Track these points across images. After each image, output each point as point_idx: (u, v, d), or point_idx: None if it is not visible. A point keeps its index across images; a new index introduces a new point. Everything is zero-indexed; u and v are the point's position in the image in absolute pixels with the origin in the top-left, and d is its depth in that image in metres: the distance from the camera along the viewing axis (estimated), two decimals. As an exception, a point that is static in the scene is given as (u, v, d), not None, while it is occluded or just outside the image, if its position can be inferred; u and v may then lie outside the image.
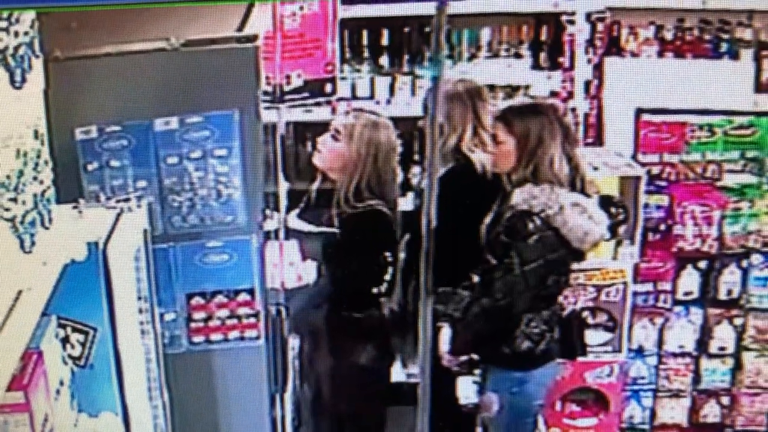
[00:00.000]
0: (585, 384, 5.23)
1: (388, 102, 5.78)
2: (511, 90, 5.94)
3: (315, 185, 4.80)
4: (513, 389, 4.41)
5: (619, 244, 5.01)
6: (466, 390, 4.89)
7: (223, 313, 4.06)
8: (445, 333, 4.44)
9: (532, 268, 4.15)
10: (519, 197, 4.18)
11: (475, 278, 4.38)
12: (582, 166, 4.29)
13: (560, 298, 4.53)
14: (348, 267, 4.50)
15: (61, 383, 2.86)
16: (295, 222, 4.73)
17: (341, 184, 4.54)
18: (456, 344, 4.44)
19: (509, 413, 4.47)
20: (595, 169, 4.89)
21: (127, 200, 3.33)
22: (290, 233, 4.69)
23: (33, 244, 2.52)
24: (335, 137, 4.60)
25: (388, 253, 4.54)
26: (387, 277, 4.55)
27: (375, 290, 4.57)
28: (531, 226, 4.13)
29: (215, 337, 4.09)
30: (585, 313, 5.02)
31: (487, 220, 4.38)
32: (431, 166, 3.79)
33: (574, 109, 5.85)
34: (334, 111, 5.50)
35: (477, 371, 4.72)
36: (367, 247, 4.52)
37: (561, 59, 5.85)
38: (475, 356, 4.58)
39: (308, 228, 4.66)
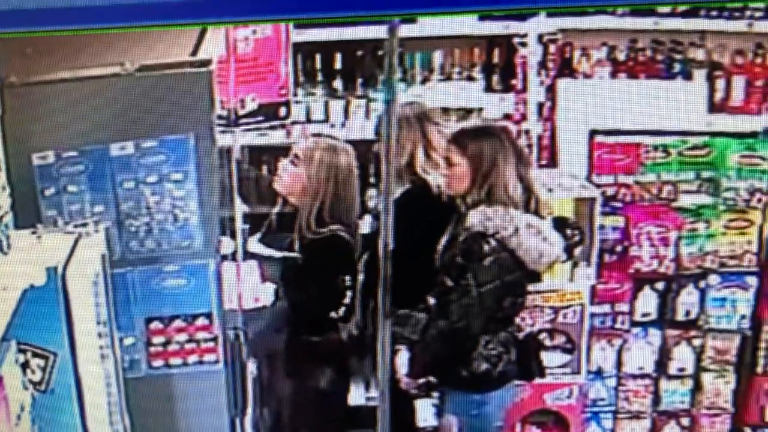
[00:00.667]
0: (545, 406, 5.25)
1: (343, 125, 5.79)
2: (465, 113, 5.96)
3: (275, 210, 4.82)
4: (472, 411, 4.43)
5: (575, 265, 5.05)
6: (424, 413, 4.91)
7: (182, 337, 4.09)
8: (403, 356, 4.46)
9: (489, 290, 4.19)
10: (474, 219, 4.23)
11: (432, 300, 4.41)
12: (535, 188, 4.35)
13: (517, 320, 4.57)
14: (307, 291, 4.53)
15: (22, 409, 2.89)
16: (255, 246, 4.76)
17: (302, 209, 4.57)
18: (414, 367, 4.45)
19: (469, 435, 4.51)
20: (550, 190, 4.92)
21: (84, 225, 3.38)
22: (250, 257, 4.71)
23: (-8, 269, 2.56)
24: (294, 162, 4.64)
25: (347, 278, 4.57)
26: (346, 300, 4.58)
27: (333, 314, 4.60)
28: (486, 247, 4.17)
29: (174, 361, 4.11)
30: (543, 335, 5.06)
31: (443, 241, 4.41)
32: (387, 190, 3.84)
33: (527, 131, 5.87)
34: (289, 134, 5.52)
35: (435, 394, 4.74)
36: (326, 271, 4.55)
37: (513, 81, 5.88)
38: (433, 379, 4.60)
39: (269, 252, 4.68)
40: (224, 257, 4.32)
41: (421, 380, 4.56)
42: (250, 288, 4.64)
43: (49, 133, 3.76)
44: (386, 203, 3.88)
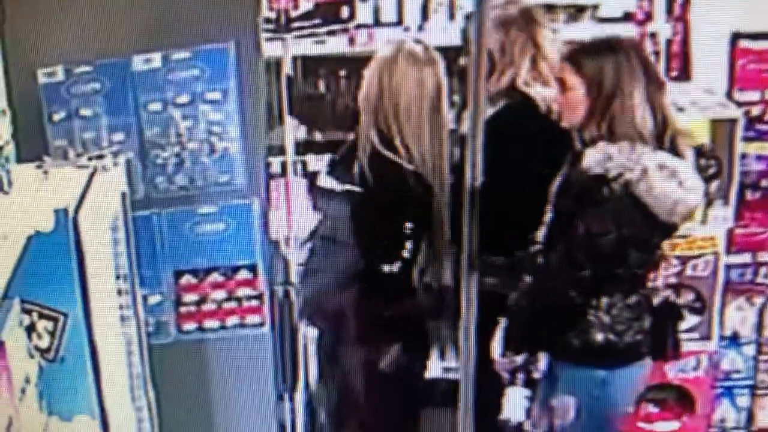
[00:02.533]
0: (665, 380, 5.27)
1: (420, 29, 5.79)
2: (575, 11, 5.94)
3: (351, 135, 4.81)
4: (594, 392, 4.42)
5: (709, 204, 5.00)
6: (513, 405, 4.89)
7: (220, 294, 4.17)
8: (500, 331, 4.47)
9: (606, 242, 4.17)
10: (591, 159, 4.19)
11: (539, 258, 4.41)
12: (671, 117, 4.29)
13: (650, 282, 4.53)
14: (358, 236, 4.54)
15: (27, 380, 2.96)
16: (324, 180, 4.77)
17: (367, 130, 4.57)
18: (511, 337, 4.46)
19: (588, 421, 4.49)
20: (680, 110, 4.87)
21: (101, 157, 3.41)
22: (318, 193, 4.71)
23: (-10, 212, 2.62)
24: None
25: (408, 224, 4.57)
26: (404, 253, 4.59)
27: (386, 268, 4.60)
28: (606, 192, 4.14)
29: (210, 323, 4.20)
30: (666, 292, 5.02)
31: (556, 184, 4.38)
32: (476, 109, 3.83)
33: (653, 35, 5.84)
34: (352, 42, 5.53)
35: (537, 375, 4.73)
36: (381, 212, 4.55)
37: (638, -29, 5.84)
38: (534, 358, 4.60)
39: (339, 187, 4.67)
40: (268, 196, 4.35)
41: (519, 358, 4.56)
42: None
43: (58, 43, 3.80)
44: (474, 126, 3.86)
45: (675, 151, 4.19)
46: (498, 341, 4.44)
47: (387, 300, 4.59)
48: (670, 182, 4.13)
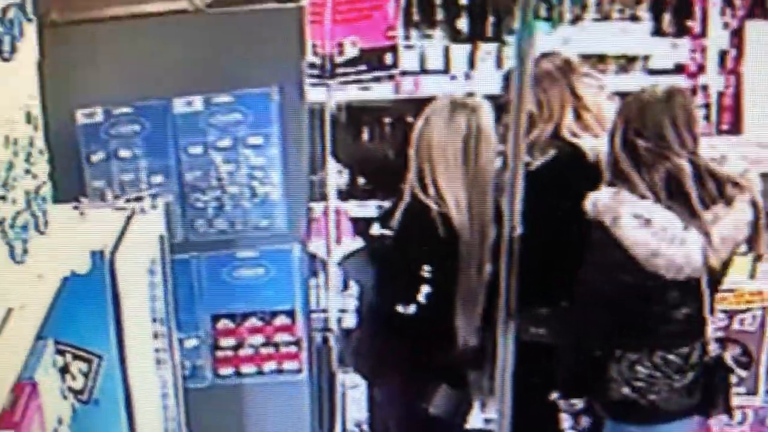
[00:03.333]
0: (710, 433, 5.27)
1: (467, 77, 5.78)
2: (626, 62, 5.92)
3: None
4: None
5: (758, 259, 4.98)
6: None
7: (257, 339, 4.16)
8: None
9: (607, 288, 4.15)
10: (588, 201, 4.19)
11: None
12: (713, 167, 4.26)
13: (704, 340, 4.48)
14: (381, 276, 4.53)
15: (60, 422, 2.93)
16: (376, 230, 4.76)
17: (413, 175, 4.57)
18: (561, 381, 4.43)
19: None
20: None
21: (139, 199, 3.41)
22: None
23: (25, 252, 2.59)
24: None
25: (426, 267, 4.54)
26: (419, 297, 4.55)
27: (400, 309, 4.57)
28: (596, 235, 4.12)
29: (247, 369, 4.18)
30: (713, 346, 4.98)
31: None
32: (515, 160, 3.81)
33: (705, 87, 5.81)
34: (397, 88, 5.52)
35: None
36: (402, 252, 4.55)
37: (690, 23, 5.82)
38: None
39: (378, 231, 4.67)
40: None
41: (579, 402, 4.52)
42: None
43: (98, 84, 3.84)
44: (514, 175, 3.83)
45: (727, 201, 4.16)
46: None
47: (407, 342, 4.57)
48: (643, 231, 4.09)
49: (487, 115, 4.48)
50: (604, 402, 4.32)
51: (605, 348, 4.23)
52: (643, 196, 4.07)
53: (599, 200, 4.13)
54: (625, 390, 4.25)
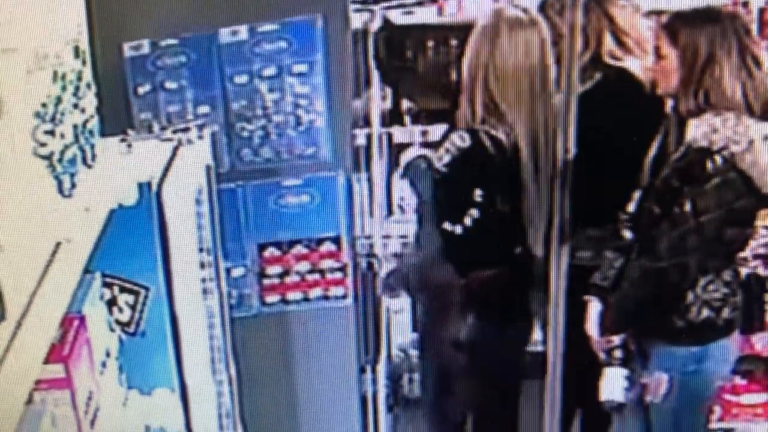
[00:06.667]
0: (753, 351, 5.14)
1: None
2: None
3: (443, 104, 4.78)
4: (689, 368, 4.35)
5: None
6: (613, 386, 4.78)
7: (303, 266, 4.12)
8: (594, 309, 4.39)
9: (710, 219, 4.08)
10: (697, 131, 4.09)
11: (627, 233, 4.33)
12: None
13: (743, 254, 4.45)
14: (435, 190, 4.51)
15: (108, 354, 2.91)
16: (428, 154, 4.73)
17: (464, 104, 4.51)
18: (607, 320, 4.38)
19: (680, 397, 4.42)
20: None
21: (186, 130, 3.36)
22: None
23: (73, 186, 2.54)
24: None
25: (478, 191, 4.49)
26: (467, 219, 4.50)
27: (447, 227, 4.54)
28: (711, 166, 4.04)
29: (293, 296, 4.16)
30: (755, 262, 4.93)
31: (650, 155, 4.30)
32: (569, 82, 3.75)
33: (745, 3, 5.72)
34: (441, 11, 5.45)
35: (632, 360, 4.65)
36: (455, 174, 4.51)
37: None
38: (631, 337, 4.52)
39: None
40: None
41: (617, 339, 4.47)
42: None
43: (144, 17, 3.79)
44: (567, 97, 3.77)
45: None
46: (594, 320, 4.38)
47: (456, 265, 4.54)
48: None
49: (545, 28, 4.43)
50: (678, 328, 4.28)
51: (686, 276, 4.19)
52: None
53: (718, 128, 4.05)
54: (705, 311, 4.22)
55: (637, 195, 4.28)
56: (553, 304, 3.94)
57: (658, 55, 4.22)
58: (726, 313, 4.21)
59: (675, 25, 4.19)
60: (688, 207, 4.06)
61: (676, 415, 4.43)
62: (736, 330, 4.34)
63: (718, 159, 4.00)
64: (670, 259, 4.13)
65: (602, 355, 4.44)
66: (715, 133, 4.02)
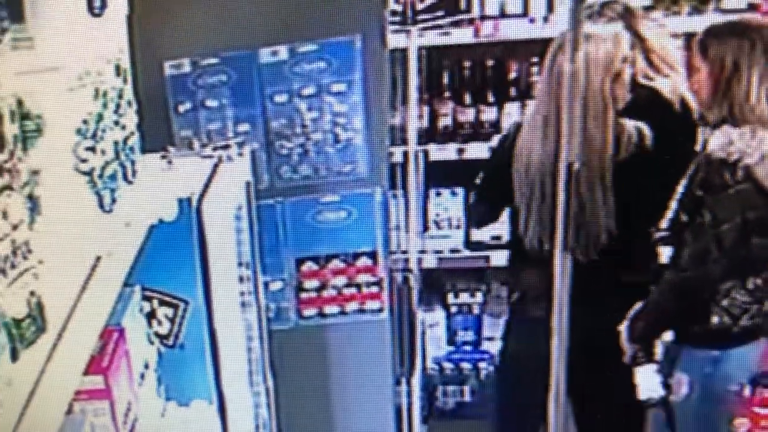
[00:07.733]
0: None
1: (545, 20, 5.69)
2: (699, 2, 5.82)
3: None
4: (706, 369, 4.36)
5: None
6: (648, 383, 4.77)
7: (340, 280, 4.11)
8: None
9: (727, 229, 4.07)
10: (715, 143, 4.10)
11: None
12: None
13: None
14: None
15: (146, 366, 2.92)
16: None
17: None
18: (635, 330, 4.39)
19: (699, 397, 4.42)
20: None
21: (226, 147, 3.37)
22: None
23: (114, 201, 2.54)
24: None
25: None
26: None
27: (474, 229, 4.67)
28: (728, 177, 4.04)
29: (330, 309, 4.15)
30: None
31: (691, 168, 4.29)
32: (571, 86, 3.76)
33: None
34: (477, 33, 5.45)
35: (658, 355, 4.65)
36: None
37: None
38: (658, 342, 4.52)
39: None
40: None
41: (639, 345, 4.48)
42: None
43: (185, 36, 3.80)
44: (571, 112, 3.77)
45: None
46: (625, 327, 4.40)
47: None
48: None
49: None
50: (693, 334, 4.29)
51: (711, 287, 4.19)
52: None
53: (736, 140, 4.05)
54: (725, 318, 4.22)
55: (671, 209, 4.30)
56: (557, 308, 3.93)
57: (692, 69, 4.24)
58: (744, 320, 4.20)
59: (707, 39, 4.21)
60: (707, 216, 4.08)
61: (697, 415, 4.45)
62: (758, 337, 4.32)
63: (738, 171, 4.01)
64: (693, 268, 4.15)
65: (628, 359, 4.47)
66: (731, 145, 4.03)
